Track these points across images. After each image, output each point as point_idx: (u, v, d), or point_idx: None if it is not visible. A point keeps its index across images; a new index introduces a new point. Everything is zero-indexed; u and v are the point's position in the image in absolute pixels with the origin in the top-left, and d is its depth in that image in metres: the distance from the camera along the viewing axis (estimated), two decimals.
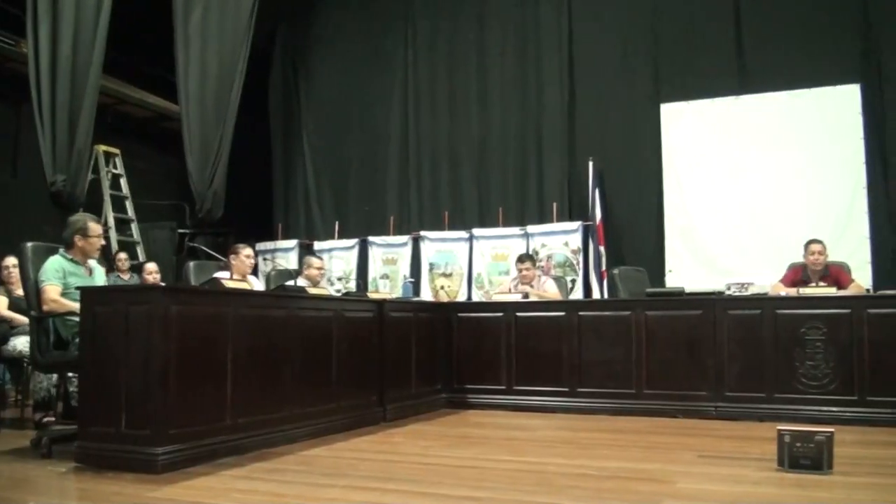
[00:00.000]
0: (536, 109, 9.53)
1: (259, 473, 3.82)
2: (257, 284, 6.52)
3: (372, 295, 6.56)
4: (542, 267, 8.71)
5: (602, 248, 8.63)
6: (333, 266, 9.89)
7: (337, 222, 10.35)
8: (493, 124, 9.75)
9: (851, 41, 8.25)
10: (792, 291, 6.17)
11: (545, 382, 6.27)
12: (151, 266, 7.86)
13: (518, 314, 6.49)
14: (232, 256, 6.32)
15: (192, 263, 6.44)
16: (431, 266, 9.62)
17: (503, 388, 6.39)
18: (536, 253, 8.93)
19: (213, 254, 8.24)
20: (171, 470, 3.75)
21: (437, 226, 9.76)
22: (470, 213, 9.73)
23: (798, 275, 6.54)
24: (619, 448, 4.69)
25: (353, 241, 10.09)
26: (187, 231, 9.85)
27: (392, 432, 5.24)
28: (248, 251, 6.37)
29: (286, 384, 4.71)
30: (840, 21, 8.28)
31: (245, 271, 6.28)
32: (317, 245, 10.18)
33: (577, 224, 8.97)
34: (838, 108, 8.14)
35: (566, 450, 4.62)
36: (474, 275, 9.38)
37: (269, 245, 10.27)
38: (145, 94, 10.27)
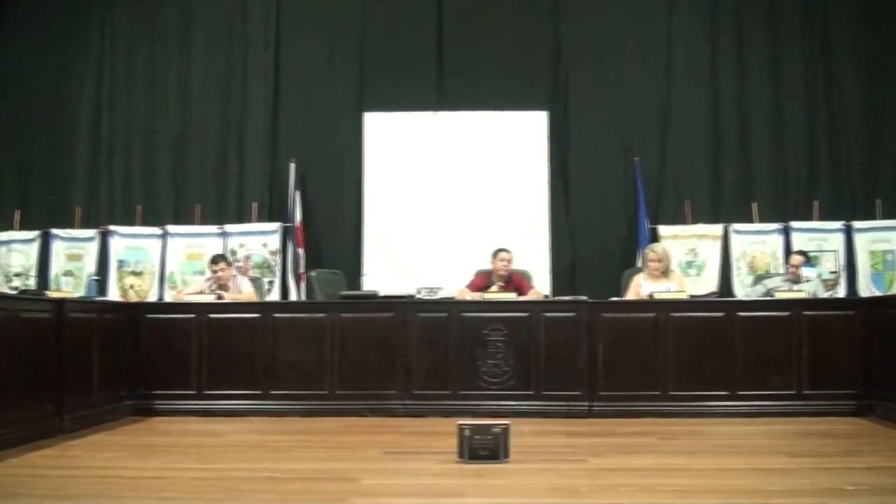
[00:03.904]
0: (240, 106, 9.28)
1: None
2: None
3: (52, 294, 6.09)
4: (240, 267, 8.57)
5: (301, 251, 8.68)
6: (11, 260, 8.99)
7: (17, 212, 9.36)
8: (194, 118, 9.34)
9: (543, 72, 9.08)
10: (477, 296, 6.66)
11: (238, 386, 6.18)
12: None
13: (211, 315, 6.33)
14: None
15: None
16: (120, 263, 9.05)
17: (193, 392, 6.19)
18: (234, 253, 8.77)
19: None
20: None
21: (129, 221, 9.18)
22: (165, 208, 9.24)
23: (484, 281, 7.03)
24: (307, 449, 4.77)
25: (35, 234, 9.15)
26: None
27: (70, 444, 4.89)
28: None
29: None
30: (534, 52, 9.07)
31: None
32: None
33: (276, 225, 8.91)
34: (527, 131, 8.92)
35: (255, 454, 4.60)
36: (167, 274, 8.98)
37: None
38: None
